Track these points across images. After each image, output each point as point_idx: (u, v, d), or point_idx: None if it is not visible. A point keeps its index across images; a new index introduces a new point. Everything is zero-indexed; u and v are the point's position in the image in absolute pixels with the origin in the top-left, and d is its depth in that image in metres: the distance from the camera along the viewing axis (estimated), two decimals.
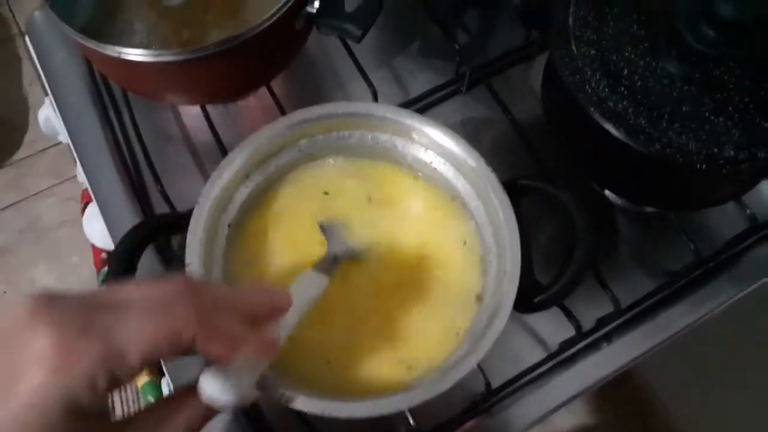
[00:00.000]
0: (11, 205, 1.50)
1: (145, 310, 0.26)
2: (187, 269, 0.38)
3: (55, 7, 0.48)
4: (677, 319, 0.51)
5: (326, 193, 0.46)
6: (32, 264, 1.45)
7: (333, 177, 0.46)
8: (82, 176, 0.68)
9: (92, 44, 0.47)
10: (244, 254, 0.43)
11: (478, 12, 0.65)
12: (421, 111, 0.59)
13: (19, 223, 1.49)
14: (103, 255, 0.70)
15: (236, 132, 0.58)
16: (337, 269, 0.41)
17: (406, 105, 0.59)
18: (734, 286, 0.52)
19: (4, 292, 1.43)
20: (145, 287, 0.28)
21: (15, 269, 1.45)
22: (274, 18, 0.46)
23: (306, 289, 0.38)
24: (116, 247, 0.40)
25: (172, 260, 0.50)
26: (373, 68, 0.60)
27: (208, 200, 0.41)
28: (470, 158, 0.42)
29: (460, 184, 0.44)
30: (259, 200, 0.45)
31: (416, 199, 0.45)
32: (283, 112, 0.56)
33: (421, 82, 0.61)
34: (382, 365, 0.40)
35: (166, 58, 0.46)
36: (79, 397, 0.24)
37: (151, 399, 0.79)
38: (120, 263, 0.39)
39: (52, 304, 0.25)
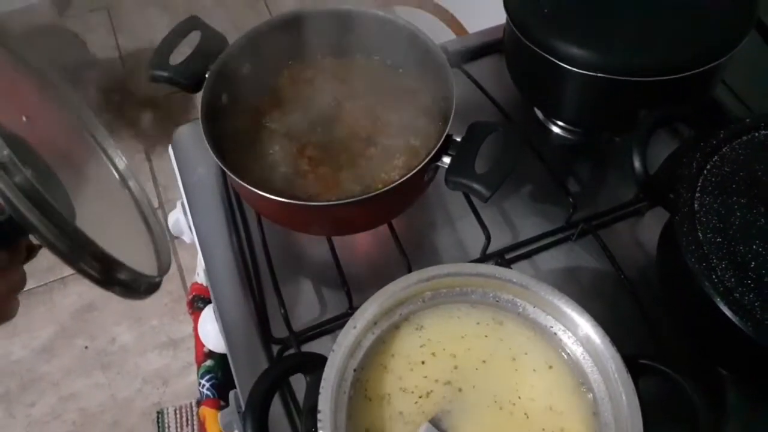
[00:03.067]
0: None
1: None
2: (319, 416, 0.41)
3: (212, 146, 0.53)
4: None
5: (444, 340, 0.48)
6: (115, 323, 1.52)
7: (452, 323, 0.48)
8: (202, 276, 0.73)
9: (240, 181, 0.51)
10: (366, 397, 0.45)
11: (586, 160, 0.67)
12: (530, 255, 0.62)
13: None
14: (205, 350, 0.74)
15: (354, 256, 0.62)
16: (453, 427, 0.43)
17: (516, 248, 0.62)
18: None
19: (86, 347, 1.50)
20: None
21: (99, 326, 1.52)
22: (410, 175, 0.50)
23: None
24: (252, 393, 0.42)
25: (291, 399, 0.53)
26: (485, 208, 0.63)
27: (341, 348, 0.43)
28: (595, 334, 0.43)
29: (579, 352, 0.45)
30: (382, 344, 0.47)
31: (533, 363, 0.46)
32: (398, 243, 0.60)
33: (530, 225, 0.64)
34: None
35: (304, 205, 0.51)
36: None
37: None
38: (256, 406, 0.42)
39: None
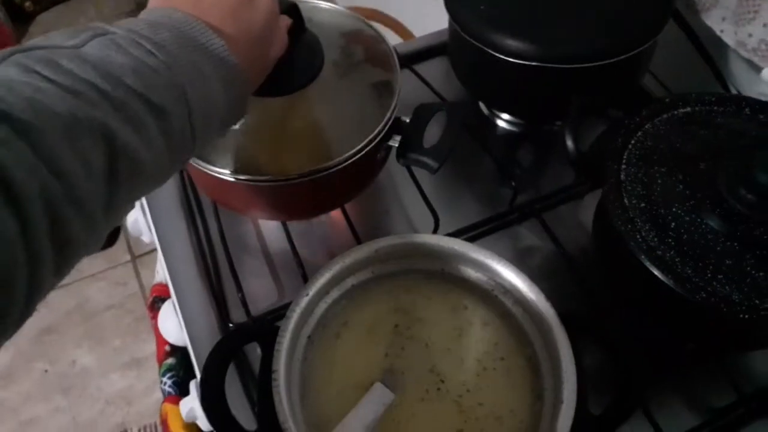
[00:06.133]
0: (62, 285, 1.57)
1: None
2: (273, 375, 0.43)
3: None
4: None
5: (393, 309, 0.50)
6: (75, 345, 1.50)
7: (398, 294, 0.51)
8: (162, 274, 0.74)
9: (194, 162, 0.53)
10: (319, 363, 0.47)
11: (530, 149, 0.71)
12: (478, 238, 0.65)
13: (67, 304, 1.55)
14: (167, 348, 0.75)
15: (310, 244, 0.64)
16: (402, 387, 0.45)
17: (464, 231, 0.65)
18: None
19: (46, 371, 1.47)
20: None
21: (59, 348, 1.50)
22: (361, 152, 0.53)
23: (373, 404, 0.42)
24: (209, 359, 0.44)
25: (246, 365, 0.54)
26: (434, 195, 0.66)
27: (295, 314, 0.46)
28: (531, 292, 0.47)
29: (519, 313, 0.48)
30: (334, 314, 0.49)
31: (476, 323, 0.49)
32: (353, 229, 0.62)
33: (477, 210, 0.67)
34: None
35: (259, 182, 0.53)
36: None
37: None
38: (213, 373, 0.43)
39: None
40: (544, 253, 0.64)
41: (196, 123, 0.36)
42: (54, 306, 1.55)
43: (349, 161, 0.53)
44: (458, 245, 0.49)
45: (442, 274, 0.51)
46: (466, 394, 0.45)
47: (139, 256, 1.62)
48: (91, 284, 1.58)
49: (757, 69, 0.63)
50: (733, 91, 0.66)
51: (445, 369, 0.47)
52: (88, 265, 1.60)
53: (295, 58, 0.55)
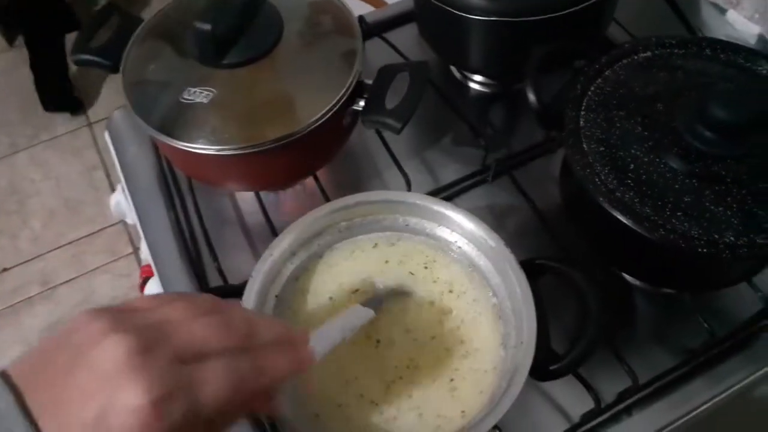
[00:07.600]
0: (69, 280, 1.60)
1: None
2: None
3: (136, 108, 0.56)
4: (696, 394, 0.53)
5: (358, 268, 0.51)
6: None
7: (364, 255, 0.52)
8: (145, 252, 0.75)
9: (166, 140, 0.54)
10: (287, 320, 0.48)
11: (502, 109, 0.72)
12: (450, 198, 0.65)
13: (75, 298, 1.58)
14: None
15: (285, 215, 0.65)
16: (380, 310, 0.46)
17: (437, 192, 0.65)
18: (752, 365, 0.54)
19: None
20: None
21: None
22: (326, 116, 0.54)
23: (352, 317, 0.43)
24: None
25: None
26: (407, 159, 0.67)
27: (260, 274, 0.47)
28: (490, 239, 0.47)
29: (482, 262, 0.49)
30: (303, 274, 0.50)
31: (443, 275, 0.50)
32: (326, 198, 0.63)
33: (450, 171, 0.67)
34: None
35: (229, 151, 0.54)
36: None
37: None
38: None
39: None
40: (517, 210, 0.64)
41: None
42: (62, 300, 1.58)
43: (314, 126, 0.54)
44: (419, 199, 0.50)
45: (406, 227, 0.51)
46: (398, 381, 0.46)
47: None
48: (95, 277, 1.61)
49: (722, 11, 0.63)
50: (700, 36, 0.66)
51: (412, 318, 0.48)
52: (92, 259, 1.62)
53: (251, 31, 0.56)
